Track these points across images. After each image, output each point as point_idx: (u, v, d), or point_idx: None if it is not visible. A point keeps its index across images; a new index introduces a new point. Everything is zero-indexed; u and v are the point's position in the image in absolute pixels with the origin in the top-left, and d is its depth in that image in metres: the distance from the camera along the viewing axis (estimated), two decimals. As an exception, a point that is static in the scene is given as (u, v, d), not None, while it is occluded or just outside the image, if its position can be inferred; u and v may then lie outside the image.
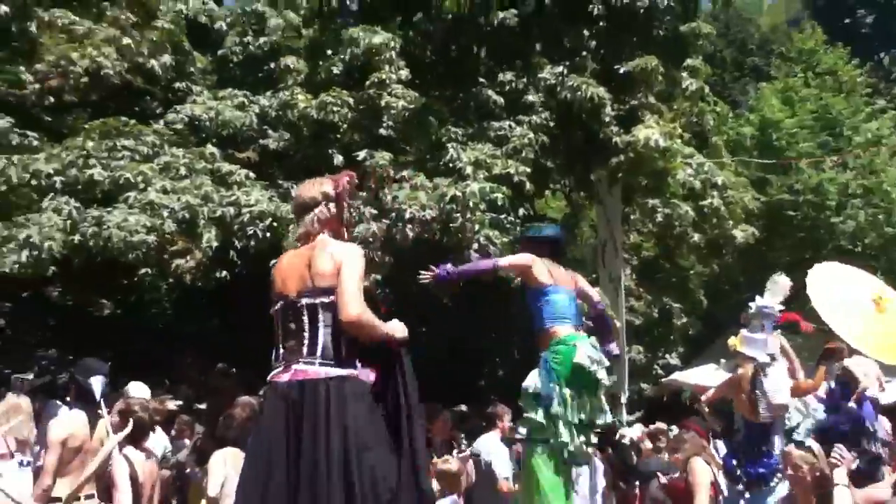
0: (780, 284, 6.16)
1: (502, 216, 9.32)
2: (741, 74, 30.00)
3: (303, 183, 3.67)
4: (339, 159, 9.92)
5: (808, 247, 19.00)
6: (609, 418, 5.03)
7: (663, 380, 14.90)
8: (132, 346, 13.90)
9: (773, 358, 5.99)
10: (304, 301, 3.28)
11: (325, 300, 3.27)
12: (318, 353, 3.23)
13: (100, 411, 5.46)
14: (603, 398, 4.95)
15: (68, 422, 5.25)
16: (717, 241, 12.57)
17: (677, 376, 13.00)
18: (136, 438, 6.20)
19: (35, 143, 9.81)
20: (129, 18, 11.76)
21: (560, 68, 10.05)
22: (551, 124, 10.37)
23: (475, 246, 8.03)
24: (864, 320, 6.44)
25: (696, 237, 11.93)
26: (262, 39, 12.70)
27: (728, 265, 17.08)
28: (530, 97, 10.01)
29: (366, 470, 3.08)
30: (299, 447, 3.11)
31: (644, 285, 16.44)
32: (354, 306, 3.23)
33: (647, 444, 7.80)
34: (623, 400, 11.62)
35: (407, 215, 7.98)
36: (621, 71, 10.15)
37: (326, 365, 3.23)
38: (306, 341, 3.25)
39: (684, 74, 11.92)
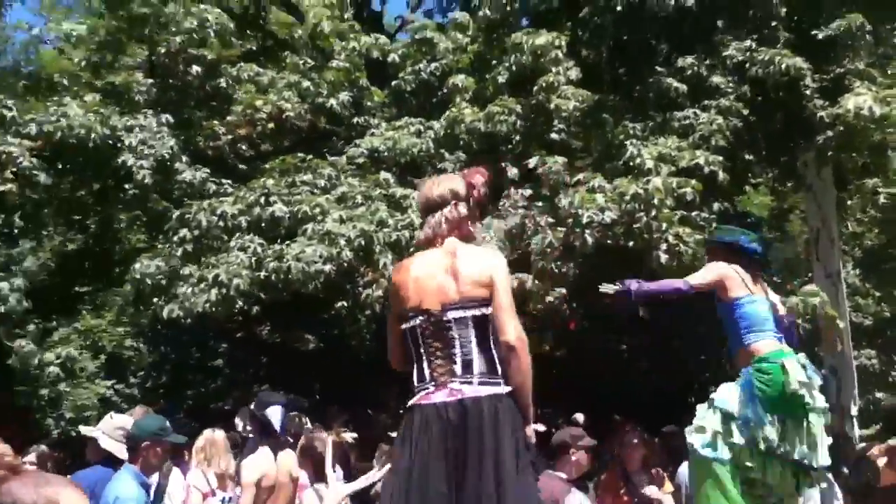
0: None
1: (693, 213, 8.47)
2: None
3: (429, 179, 3.46)
4: (513, 172, 9.55)
5: None
6: (821, 460, 4.28)
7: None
8: (337, 379, 14.31)
9: None
10: (452, 315, 3.02)
11: (477, 313, 3.03)
12: (476, 371, 2.97)
13: (281, 440, 5.38)
14: (816, 430, 4.25)
15: (259, 461, 5.22)
16: (957, 218, 10.79)
17: (919, 381, 11.38)
18: (321, 472, 6.06)
19: (230, 189, 10.32)
20: (307, 63, 12.23)
21: (748, 42, 9.03)
22: (744, 111, 9.36)
23: (663, 247, 7.28)
24: None
25: (930, 217, 10.29)
26: (433, 65, 12.71)
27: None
28: (716, 79, 9.07)
29: (532, 496, 2.90)
30: (464, 474, 2.83)
31: (870, 280, 14.59)
32: (516, 327, 3.03)
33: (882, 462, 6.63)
34: (853, 412, 10.19)
35: (584, 219, 7.39)
36: (820, 36, 8.96)
37: (486, 384, 2.97)
38: (458, 359, 2.99)
39: (896, 32, 10.44)
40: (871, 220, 12.68)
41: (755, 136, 10.13)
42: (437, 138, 10.73)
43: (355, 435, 5.93)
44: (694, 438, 4.38)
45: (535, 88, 9.43)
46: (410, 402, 3.03)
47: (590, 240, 7.38)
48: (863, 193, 11.23)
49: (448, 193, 3.21)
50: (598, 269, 8.83)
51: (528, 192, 8.56)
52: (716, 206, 8.63)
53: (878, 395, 15.37)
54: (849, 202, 12.27)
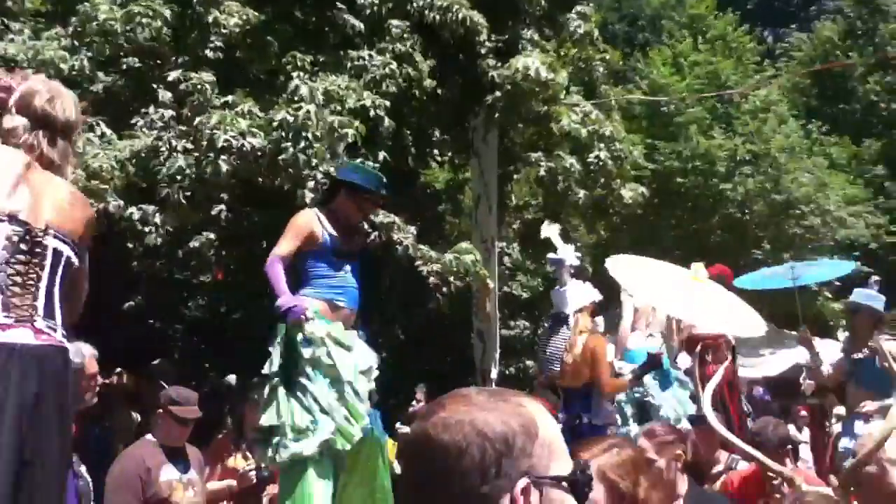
0: (552, 229, 5.78)
1: (358, 160, 7.80)
2: (631, 51, 29.67)
3: (50, 80, 2.73)
4: (167, 95, 8.16)
5: (697, 217, 18.51)
6: None
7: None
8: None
9: (561, 317, 5.29)
10: (53, 243, 2.38)
11: (70, 254, 2.43)
12: (58, 317, 2.37)
13: None
14: None
15: None
16: (605, 200, 11.46)
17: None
18: None
19: None
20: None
21: (431, -12, 8.57)
22: (423, 67, 8.90)
23: (310, 185, 6.48)
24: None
25: (582, 195, 10.76)
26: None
27: (616, 232, 16.23)
28: (395, 22, 8.48)
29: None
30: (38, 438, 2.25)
31: (527, 254, 15.33)
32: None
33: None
34: (493, 375, 10.41)
35: (220, 143, 6.33)
36: (500, -5, 8.78)
37: (66, 338, 2.40)
38: (41, 297, 2.34)
39: (573, 15, 10.75)
40: (531, 192, 13.16)
41: (441, 110, 9.84)
42: (94, 58, 8.97)
43: None
44: None
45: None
46: None
47: (224, 167, 6.32)
48: (527, 166, 11.50)
49: (76, 123, 2.58)
50: (242, 208, 7.90)
51: (171, 112, 7.29)
52: (381, 155, 8.04)
53: (528, 363, 16.27)
54: (515, 176, 12.56)
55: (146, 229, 6.75)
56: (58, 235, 2.40)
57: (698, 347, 5.47)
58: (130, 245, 8.67)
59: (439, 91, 9.46)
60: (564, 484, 1.09)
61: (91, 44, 7.95)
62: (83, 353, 3.70)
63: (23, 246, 2.33)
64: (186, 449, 4.56)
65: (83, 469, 4.29)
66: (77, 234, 2.48)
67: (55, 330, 2.35)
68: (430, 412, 1.12)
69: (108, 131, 7.80)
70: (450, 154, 12.92)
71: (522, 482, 1.06)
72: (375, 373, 4.15)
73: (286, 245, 4.00)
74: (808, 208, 17.72)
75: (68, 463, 2.57)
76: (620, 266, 4.93)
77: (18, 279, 2.30)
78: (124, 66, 8.66)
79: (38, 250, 2.35)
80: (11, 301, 2.27)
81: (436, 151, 12.33)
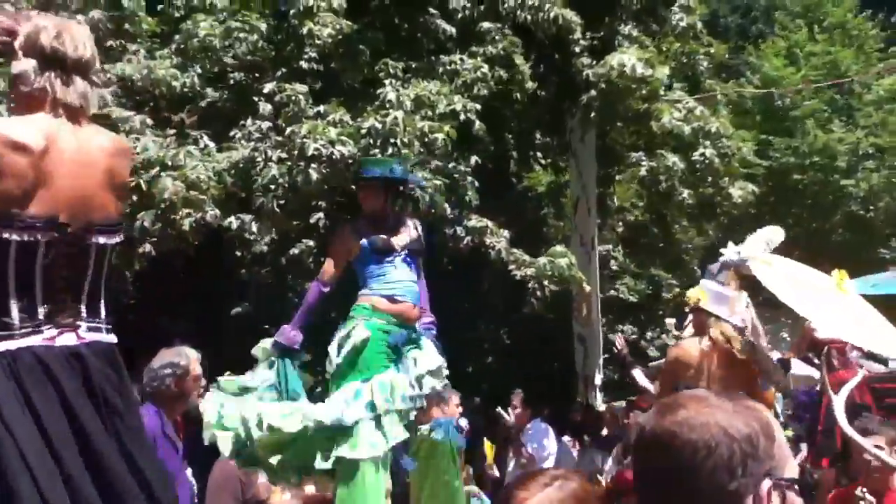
0: (766, 234, 4.60)
1: (451, 164, 7.76)
2: (745, 43, 28.50)
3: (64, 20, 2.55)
4: (267, 108, 8.38)
5: (817, 215, 17.52)
6: None
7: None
8: None
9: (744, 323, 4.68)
10: (100, 240, 2.25)
11: (115, 240, 2.31)
12: (102, 314, 2.30)
13: None
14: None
15: None
16: (712, 199, 10.98)
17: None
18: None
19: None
20: (52, -27, 10.24)
21: (523, -12, 8.46)
22: (523, 68, 8.78)
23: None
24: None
25: (686, 194, 10.34)
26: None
27: (726, 231, 15.54)
28: (486, 25, 8.41)
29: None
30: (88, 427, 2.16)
31: (631, 257, 14.90)
32: None
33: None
34: (597, 381, 10.10)
35: (310, 151, 6.41)
36: (595, -8, 8.57)
37: (110, 332, 2.31)
38: (85, 296, 2.25)
39: (675, 8, 10.39)
40: (635, 193, 12.80)
41: (542, 113, 9.70)
42: (203, 75, 9.37)
43: None
44: None
45: (293, 12, 8.34)
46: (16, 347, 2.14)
47: (314, 175, 6.41)
48: (627, 166, 11.19)
49: (91, 59, 2.29)
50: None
51: (268, 123, 7.47)
52: (473, 159, 7.98)
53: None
54: (618, 177, 12.24)
55: (252, 238, 6.96)
56: (101, 228, 2.24)
57: (824, 351, 5.05)
58: (238, 253, 8.96)
59: (539, 92, 9.35)
60: (796, 486, 1.17)
61: (194, 59, 8.25)
62: (188, 356, 3.79)
63: (65, 251, 2.20)
64: (284, 453, 4.61)
65: (188, 473, 4.39)
66: (120, 206, 2.34)
67: (99, 329, 2.26)
68: (668, 411, 1.18)
69: (211, 144, 8.09)
70: (551, 156, 12.76)
71: (767, 483, 1.14)
72: (445, 372, 4.20)
73: (325, 267, 4.16)
74: (940, 204, 16.49)
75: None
76: (764, 266, 4.42)
77: (61, 284, 2.21)
78: (231, 82, 8.99)
79: (81, 252, 2.22)
80: (56, 309, 2.20)
81: (539, 154, 12.20)
